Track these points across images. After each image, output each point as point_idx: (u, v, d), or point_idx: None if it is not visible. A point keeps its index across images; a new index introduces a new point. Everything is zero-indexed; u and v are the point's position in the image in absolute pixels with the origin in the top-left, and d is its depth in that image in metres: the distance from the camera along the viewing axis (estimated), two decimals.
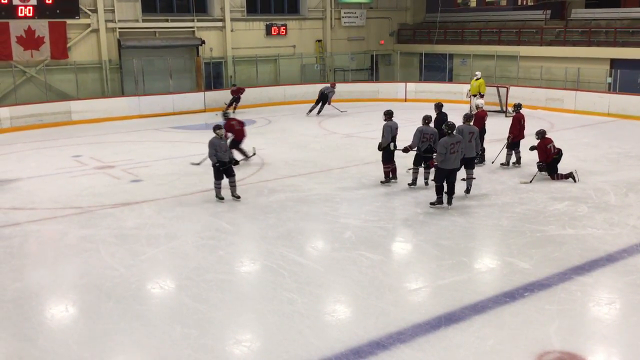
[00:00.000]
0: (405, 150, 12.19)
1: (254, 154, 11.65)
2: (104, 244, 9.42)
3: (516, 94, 21.88)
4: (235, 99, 23.25)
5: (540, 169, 12.67)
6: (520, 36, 26.30)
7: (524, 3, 30.11)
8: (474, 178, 11.85)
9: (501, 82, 23.88)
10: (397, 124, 12.36)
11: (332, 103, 22.75)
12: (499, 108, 21.87)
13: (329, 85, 23.37)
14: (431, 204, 10.97)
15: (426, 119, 12.03)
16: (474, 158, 11.85)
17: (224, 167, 11.37)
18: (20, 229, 10.29)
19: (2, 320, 7.07)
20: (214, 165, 11.38)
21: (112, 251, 9.11)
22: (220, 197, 11.56)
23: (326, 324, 6.91)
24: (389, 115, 12.33)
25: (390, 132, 12.16)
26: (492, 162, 13.85)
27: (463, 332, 6.59)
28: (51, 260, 8.97)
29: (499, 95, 22.17)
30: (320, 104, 22.65)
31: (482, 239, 9.79)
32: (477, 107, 14.20)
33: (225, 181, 11.62)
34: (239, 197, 11.63)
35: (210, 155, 11.30)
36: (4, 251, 9.23)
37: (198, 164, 13.33)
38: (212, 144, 11.31)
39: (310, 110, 22.72)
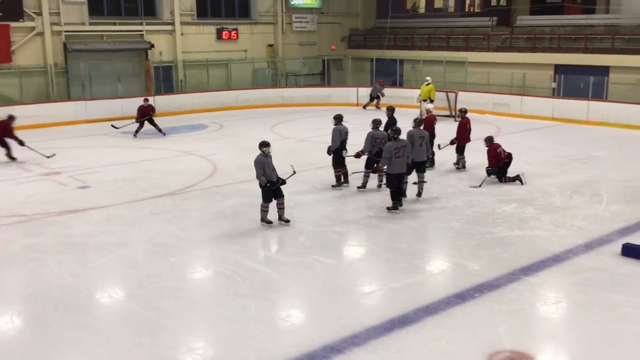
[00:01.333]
0: (357, 155, 12.28)
1: (294, 172, 10.65)
2: (50, 252, 9.16)
3: (464, 98, 22.31)
4: (147, 119, 19.12)
5: (489, 173, 12.93)
6: (468, 42, 26.85)
7: (472, 10, 30.76)
8: (425, 182, 12.02)
9: (450, 87, 24.31)
10: (347, 128, 12.46)
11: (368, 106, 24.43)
12: (448, 112, 22.28)
13: (377, 84, 25.06)
14: (388, 209, 11.07)
15: (376, 123, 12.17)
16: (425, 162, 12.03)
17: (273, 187, 10.22)
18: None
19: None
20: (263, 187, 10.11)
21: (60, 260, 8.86)
22: (268, 221, 10.31)
23: (280, 329, 6.89)
24: (338, 119, 12.43)
25: (339, 136, 12.26)
26: (439, 148, 13.99)
27: (416, 334, 6.67)
28: None
29: (448, 100, 22.59)
30: (375, 100, 24.81)
31: (434, 241, 9.94)
32: (427, 111, 14.43)
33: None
34: (288, 221, 10.36)
35: (259, 176, 10.01)
36: None
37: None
38: (259, 163, 9.99)
39: (365, 106, 25.20)
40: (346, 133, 12.41)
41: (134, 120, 19.18)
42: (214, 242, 9.66)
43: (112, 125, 17.47)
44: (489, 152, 12.97)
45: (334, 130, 12.31)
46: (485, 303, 7.44)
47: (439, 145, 14.00)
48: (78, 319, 7.06)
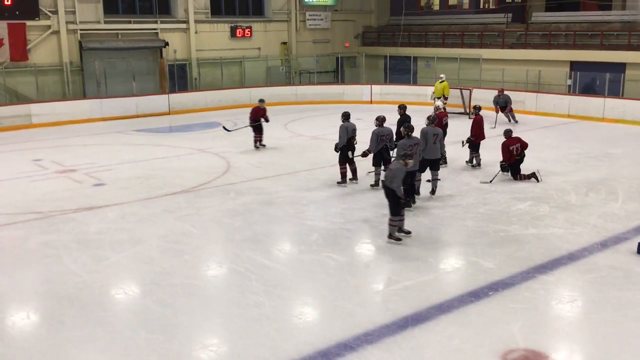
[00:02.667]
0: (364, 154, 12.33)
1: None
2: (66, 249, 9.23)
3: (479, 96, 22.19)
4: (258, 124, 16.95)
5: (503, 169, 12.87)
6: (483, 39, 26.70)
7: (486, 6, 30.56)
8: (439, 179, 11.98)
9: (464, 84, 24.19)
10: (354, 125, 12.58)
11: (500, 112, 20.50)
12: (462, 110, 22.17)
13: (497, 93, 20.61)
14: None
15: (380, 120, 12.18)
16: (439, 160, 11.98)
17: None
18: None
19: None
20: (398, 199, 9.33)
21: (75, 257, 8.93)
22: (397, 239, 9.41)
23: (294, 326, 6.90)
24: (345, 116, 12.58)
25: (346, 133, 12.37)
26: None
27: (429, 332, 6.65)
28: (11, 266, 8.75)
29: (463, 97, 22.48)
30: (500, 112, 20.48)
31: (447, 239, 9.89)
32: (437, 108, 14.41)
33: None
34: (409, 233, 9.62)
35: (398, 187, 9.21)
36: None
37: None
38: (400, 172, 9.26)
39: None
40: (353, 130, 12.51)
41: (246, 124, 17.31)
42: (227, 240, 9.68)
43: (224, 128, 17.33)
44: (503, 145, 12.91)
45: (341, 127, 12.41)
46: (500, 301, 7.40)
47: (462, 142, 13.95)
48: (92, 315, 7.11)
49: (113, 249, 9.26)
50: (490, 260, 8.64)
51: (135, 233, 9.96)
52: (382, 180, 9.65)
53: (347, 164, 12.67)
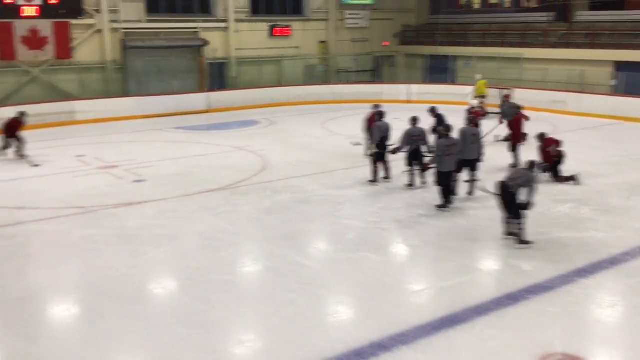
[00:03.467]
0: (394, 152, 12.36)
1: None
2: (106, 244, 9.43)
3: (519, 96, 21.78)
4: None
5: (543, 170, 12.66)
6: (524, 38, 26.27)
7: (528, 5, 30.06)
8: (477, 180, 11.84)
9: (504, 84, 23.84)
10: (388, 125, 12.65)
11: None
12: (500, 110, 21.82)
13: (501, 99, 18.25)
14: (437, 206, 10.95)
15: (414, 120, 12.16)
16: (477, 160, 11.83)
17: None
18: (24, 228, 10.31)
19: (4, 319, 7.08)
20: (517, 205, 9.13)
21: (114, 251, 9.12)
22: (527, 242, 9.08)
23: (328, 325, 6.90)
24: (379, 115, 12.72)
25: (379, 133, 12.43)
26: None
27: (465, 334, 6.57)
28: (54, 260, 8.98)
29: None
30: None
31: (485, 241, 9.76)
32: (472, 108, 14.25)
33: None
34: (526, 243, 9.14)
35: (530, 195, 9.10)
36: (7, 250, 9.24)
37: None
38: (531, 180, 9.10)
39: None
40: (386, 129, 12.56)
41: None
42: (263, 237, 9.75)
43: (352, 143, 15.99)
44: (540, 149, 12.72)
45: (403, 133, 12.32)
46: (538, 305, 7.27)
47: (495, 137, 13.84)
48: (131, 309, 7.25)
49: (151, 244, 9.42)
50: (529, 263, 8.49)
51: (173, 229, 10.10)
52: (503, 182, 9.18)
53: (381, 163, 12.69)
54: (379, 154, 12.58)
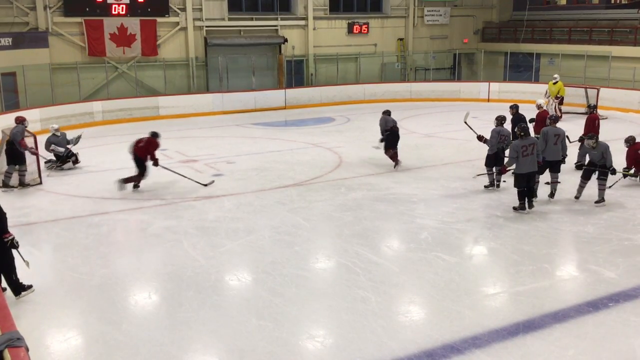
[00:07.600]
0: (480, 138, 12.21)
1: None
2: (186, 235, 9.75)
3: (607, 95, 20.96)
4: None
5: (624, 175, 12.09)
6: (613, 35, 25.13)
7: (618, 1, 28.74)
8: (559, 182, 11.45)
9: (591, 83, 22.91)
10: (507, 131, 12.10)
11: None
12: (586, 110, 20.99)
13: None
14: (514, 208, 10.68)
15: (500, 120, 11.86)
16: (560, 161, 11.42)
17: None
18: (109, 217, 10.80)
19: (88, 304, 7.44)
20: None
21: (194, 242, 9.41)
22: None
23: (400, 324, 6.86)
24: (499, 120, 12.05)
25: (496, 139, 11.86)
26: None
27: (542, 341, 6.38)
28: (136, 248, 9.38)
29: (587, 97, 21.30)
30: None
31: (565, 245, 9.44)
32: (539, 107, 13.78)
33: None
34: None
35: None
36: (93, 238, 9.72)
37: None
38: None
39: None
40: (505, 136, 11.92)
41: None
42: (337, 234, 9.80)
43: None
44: (628, 153, 12.14)
45: (492, 131, 12.00)
46: (621, 314, 6.96)
47: (567, 137, 13.31)
48: (208, 299, 7.46)
49: (228, 236, 9.65)
50: (612, 270, 8.15)
51: (249, 223, 10.32)
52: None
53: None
54: (493, 157, 11.96)
